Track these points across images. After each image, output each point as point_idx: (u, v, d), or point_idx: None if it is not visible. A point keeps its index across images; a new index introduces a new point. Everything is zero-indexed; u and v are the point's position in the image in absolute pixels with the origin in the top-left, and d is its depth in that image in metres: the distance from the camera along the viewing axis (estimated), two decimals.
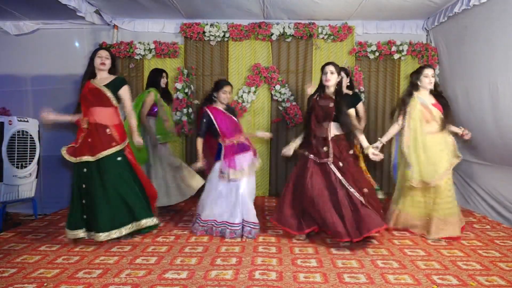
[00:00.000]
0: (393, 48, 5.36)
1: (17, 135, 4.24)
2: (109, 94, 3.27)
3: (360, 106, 4.38)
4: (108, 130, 3.27)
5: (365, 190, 3.20)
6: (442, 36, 5.14)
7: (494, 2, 3.98)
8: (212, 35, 5.36)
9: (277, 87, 5.36)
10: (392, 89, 5.49)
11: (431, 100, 3.55)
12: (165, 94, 4.40)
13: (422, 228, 3.54)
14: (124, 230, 3.24)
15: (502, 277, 2.62)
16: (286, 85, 5.42)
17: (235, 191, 3.50)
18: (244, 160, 3.53)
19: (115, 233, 3.19)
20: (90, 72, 3.35)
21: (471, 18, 4.37)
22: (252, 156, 3.60)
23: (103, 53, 3.35)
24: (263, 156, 5.51)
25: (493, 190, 4.29)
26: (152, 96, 4.17)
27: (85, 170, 3.22)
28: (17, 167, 4.23)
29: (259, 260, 2.93)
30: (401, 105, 3.60)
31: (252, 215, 3.47)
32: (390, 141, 4.12)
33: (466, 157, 4.52)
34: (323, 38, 5.44)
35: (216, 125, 3.58)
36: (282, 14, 5.23)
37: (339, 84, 3.40)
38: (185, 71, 5.42)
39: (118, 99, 3.35)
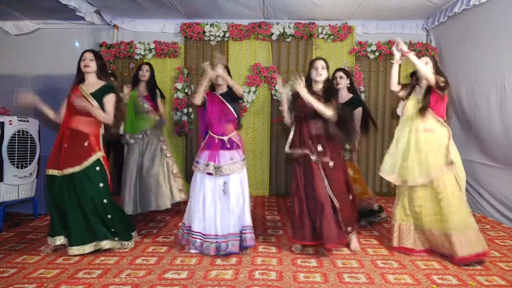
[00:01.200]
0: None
1: (17, 135, 4.23)
2: (95, 104, 3.06)
3: (358, 112, 3.76)
4: (86, 142, 3.06)
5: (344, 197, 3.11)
6: (443, 35, 5.14)
7: (494, 2, 3.99)
8: (212, 35, 5.36)
9: (277, 87, 5.36)
10: None
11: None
12: (149, 89, 4.09)
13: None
14: (88, 248, 3.04)
15: (502, 277, 2.62)
16: (286, 85, 5.41)
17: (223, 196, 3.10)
18: (226, 157, 3.13)
19: (78, 250, 3.00)
20: (79, 77, 3.16)
21: (472, 17, 4.37)
22: (237, 155, 3.16)
23: (87, 55, 3.13)
24: (263, 156, 5.52)
25: (495, 191, 4.26)
26: (124, 92, 3.99)
27: (59, 179, 3.04)
28: (17, 167, 4.22)
29: (259, 260, 2.93)
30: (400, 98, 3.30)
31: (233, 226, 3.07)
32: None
33: (468, 156, 4.51)
34: (323, 38, 5.44)
35: (207, 109, 3.23)
36: (282, 14, 5.23)
37: (329, 81, 3.26)
38: (185, 71, 5.42)
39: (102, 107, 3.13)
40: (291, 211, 3.19)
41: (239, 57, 5.46)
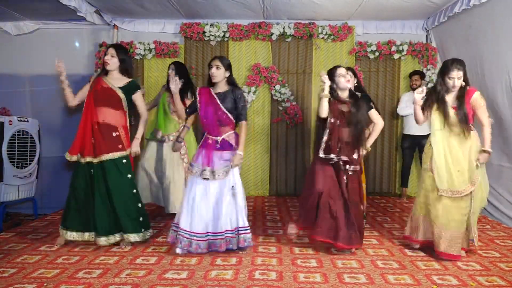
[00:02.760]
0: (393, 48, 5.36)
1: (17, 135, 4.24)
2: (122, 96, 3.17)
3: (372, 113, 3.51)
4: (114, 133, 3.15)
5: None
6: (444, 35, 5.13)
7: (494, 2, 3.98)
8: (212, 35, 5.36)
9: (277, 87, 5.36)
10: (392, 89, 5.50)
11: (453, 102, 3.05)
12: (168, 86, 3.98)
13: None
14: (113, 239, 3.15)
15: (502, 277, 2.62)
16: (286, 85, 5.42)
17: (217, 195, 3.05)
18: (220, 159, 3.03)
19: (111, 239, 3.13)
20: (103, 69, 3.22)
21: (472, 17, 4.37)
22: (230, 155, 3.04)
23: (110, 50, 3.17)
24: (263, 156, 5.52)
25: (503, 191, 4.22)
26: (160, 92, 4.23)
27: (92, 171, 3.13)
28: (17, 167, 4.23)
29: (259, 260, 2.93)
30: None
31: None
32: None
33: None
34: (323, 38, 5.44)
35: (197, 106, 3.12)
36: (282, 14, 5.23)
37: (353, 88, 3.23)
38: None
39: (130, 104, 3.24)
40: (306, 199, 3.16)
41: (239, 57, 5.46)
